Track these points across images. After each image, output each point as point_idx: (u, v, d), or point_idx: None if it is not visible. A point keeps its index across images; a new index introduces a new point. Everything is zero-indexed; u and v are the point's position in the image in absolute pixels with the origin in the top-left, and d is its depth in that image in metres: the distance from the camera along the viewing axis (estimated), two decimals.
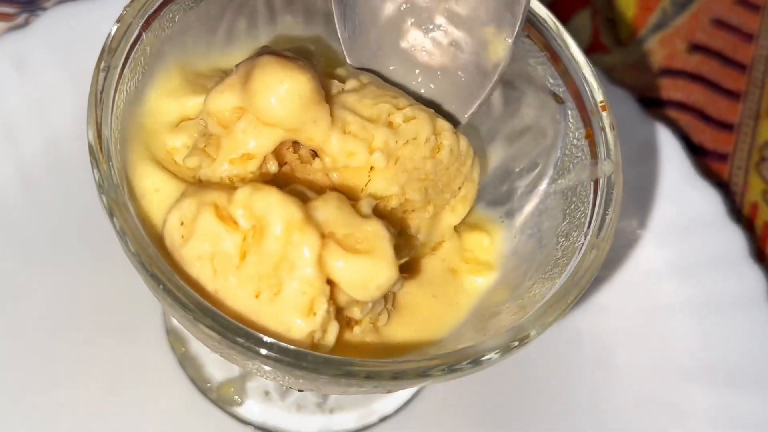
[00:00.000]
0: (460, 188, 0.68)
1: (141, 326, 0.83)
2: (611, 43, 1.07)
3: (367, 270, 0.59)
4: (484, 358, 0.59)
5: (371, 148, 0.64)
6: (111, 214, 0.58)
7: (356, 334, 0.65)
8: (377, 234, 0.60)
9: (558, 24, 0.69)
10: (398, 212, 0.66)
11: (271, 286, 0.59)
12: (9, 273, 0.82)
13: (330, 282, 0.59)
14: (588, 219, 0.64)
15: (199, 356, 0.82)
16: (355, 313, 0.63)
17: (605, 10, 1.09)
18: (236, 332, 0.56)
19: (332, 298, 0.60)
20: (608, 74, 1.04)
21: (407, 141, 0.65)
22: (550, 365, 0.85)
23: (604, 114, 0.66)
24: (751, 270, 0.88)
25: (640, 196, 0.91)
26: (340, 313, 0.62)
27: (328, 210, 0.59)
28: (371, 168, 0.64)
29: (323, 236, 0.59)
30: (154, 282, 0.57)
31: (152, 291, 0.59)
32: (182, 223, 0.60)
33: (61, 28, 0.90)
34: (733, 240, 0.89)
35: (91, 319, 0.82)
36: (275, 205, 0.58)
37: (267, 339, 0.55)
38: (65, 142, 0.85)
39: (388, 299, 0.66)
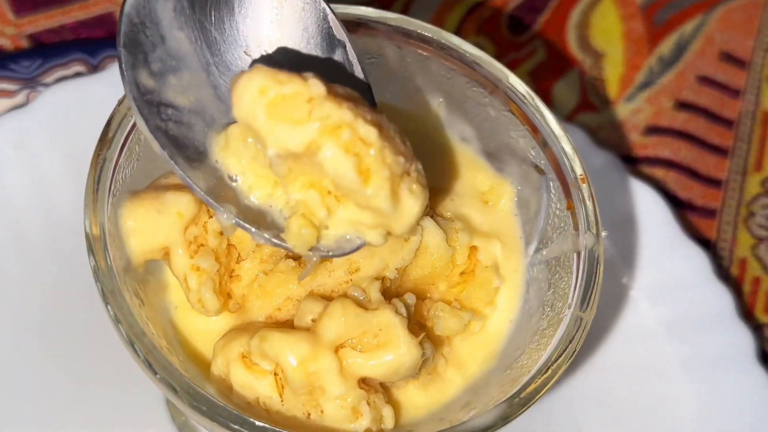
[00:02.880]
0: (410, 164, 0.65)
1: (142, 397, 0.84)
2: (599, 102, 1.10)
3: (391, 361, 0.63)
4: None
5: None
6: (106, 303, 0.60)
7: (419, 387, 0.69)
8: (388, 323, 0.63)
9: (536, 99, 0.72)
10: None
11: (315, 407, 0.63)
12: (7, 346, 0.84)
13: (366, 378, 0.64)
14: (572, 290, 0.66)
15: (199, 426, 0.83)
16: (408, 380, 0.67)
17: (593, 70, 1.12)
18: (230, 418, 0.59)
19: (376, 389, 0.65)
20: (596, 133, 1.06)
21: None
22: (539, 423, 0.86)
23: (584, 186, 0.69)
24: (739, 329, 0.89)
25: (629, 257, 0.93)
26: (389, 391, 0.67)
27: (334, 324, 0.63)
28: None
29: (338, 349, 0.63)
30: (148, 369, 0.60)
31: (148, 376, 0.61)
32: (222, 378, 0.65)
33: (61, 105, 0.92)
34: (720, 299, 0.90)
35: (93, 392, 0.84)
36: (282, 348, 0.62)
37: (258, 423, 0.57)
38: (64, 221, 0.87)
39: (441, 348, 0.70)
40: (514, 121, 0.73)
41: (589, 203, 0.68)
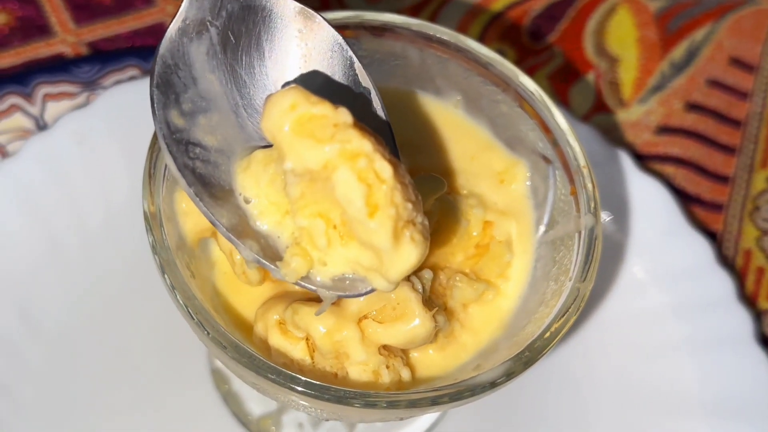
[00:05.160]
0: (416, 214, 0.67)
1: (189, 368, 0.93)
2: (614, 103, 1.17)
3: (406, 332, 0.70)
4: (482, 388, 0.68)
5: None
6: (162, 272, 0.69)
7: (437, 349, 0.75)
8: (406, 298, 0.70)
9: (544, 96, 0.79)
10: None
11: (341, 369, 0.71)
12: (67, 321, 0.93)
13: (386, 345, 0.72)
14: (573, 265, 0.74)
15: (241, 393, 0.92)
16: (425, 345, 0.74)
17: (608, 74, 1.19)
18: (269, 370, 0.66)
19: (395, 354, 0.72)
20: (611, 132, 1.14)
21: None
22: (551, 400, 0.94)
23: (585, 173, 0.76)
24: (739, 312, 0.96)
25: (637, 244, 1.00)
26: (408, 353, 0.74)
27: (356, 299, 0.70)
28: None
29: (360, 320, 0.70)
30: (200, 329, 0.68)
31: (198, 337, 0.69)
32: (262, 340, 0.72)
33: (117, 105, 1.00)
34: (722, 285, 0.97)
35: (146, 364, 0.93)
36: (312, 319, 0.69)
37: (294, 375, 0.66)
38: (122, 207, 0.96)
39: (451, 318, 0.76)
40: (524, 116, 0.80)
41: (590, 188, 0.76)
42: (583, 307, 0.71)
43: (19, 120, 1.04)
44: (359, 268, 0.67)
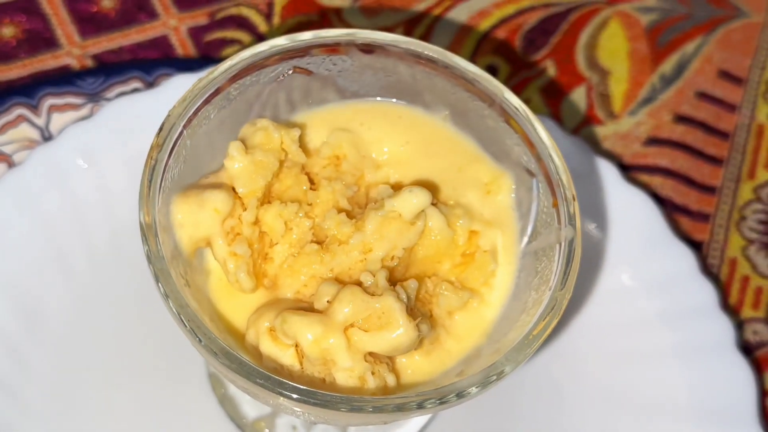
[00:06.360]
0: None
1: (187, 372, 0.96)
2: (604, 115, 1.20)
3: (390, 340, 0.73)
4: (466, 392, 0.71)
5: None
6: (157, 280, 0.72)
7: (422, 355, 0.79)
8: (390, 308, 0.73)
9: (528, 111, 0.82)
10: None
11: (329, 375, 0.74)
12: (70, 327, 0.96)
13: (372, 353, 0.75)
14: (553, 275, 0.77)
15: (236, 397, 0.95)
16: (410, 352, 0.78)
17: (599, 86, 1.22)
18: (258, 376, 0.69)
19: (381, 360, 0.76)
20: (601, 143, 1.17)
21: None
22: (538, 408, 0.97)
23: (567, 186, 0.79)
24: (721, 319, 0.99)
25: (623, 254, 1.03)
26: (394, 359, 0.78)
27: (343, 307, 0.73)
28: None
29: (347, 329, 0.73)
30: (192, 336, 0.70)
31: (191, 343, 0.72)
32: (254, 347, 0.76)
33: (121, 116, 1.02)
34: (704, 293, 1.00)
35: (146, 368, 0.96)
36: (300, 328, 0.73)
37: (282, 380, 0.69)
38: (124, 215, 0.98)
39: (436, 324, 0.80)
40: (509, 130, 0.83)
41: (570, 201, 0.79)
42: (561, 315, 0.74)
43: (25, 130, 1.07)
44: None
